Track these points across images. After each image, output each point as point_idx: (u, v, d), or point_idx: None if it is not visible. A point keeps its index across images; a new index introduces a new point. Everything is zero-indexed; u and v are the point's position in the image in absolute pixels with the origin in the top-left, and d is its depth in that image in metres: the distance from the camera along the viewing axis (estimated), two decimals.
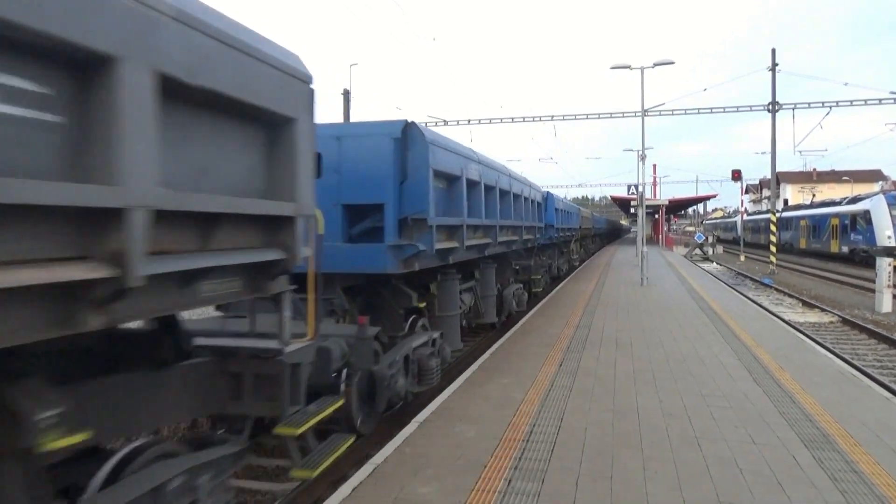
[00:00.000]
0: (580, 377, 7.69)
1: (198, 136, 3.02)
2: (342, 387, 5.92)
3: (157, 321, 3.60)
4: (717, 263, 38.02)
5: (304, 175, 3.76)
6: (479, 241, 8.95)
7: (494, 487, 4.52)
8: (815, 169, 76.99)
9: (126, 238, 2.34)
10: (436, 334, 7.76)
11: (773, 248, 31.60)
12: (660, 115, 33.90)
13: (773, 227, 32.49)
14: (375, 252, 6.32)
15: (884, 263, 16.86)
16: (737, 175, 41.19)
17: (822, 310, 17.54)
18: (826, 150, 55.82)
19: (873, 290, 18.05)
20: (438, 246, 6.97)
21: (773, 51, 30.11)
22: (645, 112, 23.96)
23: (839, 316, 16.25)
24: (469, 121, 37.85)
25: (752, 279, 27.33)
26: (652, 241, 54.35)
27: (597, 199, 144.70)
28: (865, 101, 31.11)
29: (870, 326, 14.38)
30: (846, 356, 11.18)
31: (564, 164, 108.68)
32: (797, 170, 73.31)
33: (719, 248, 52.37)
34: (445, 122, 36.58)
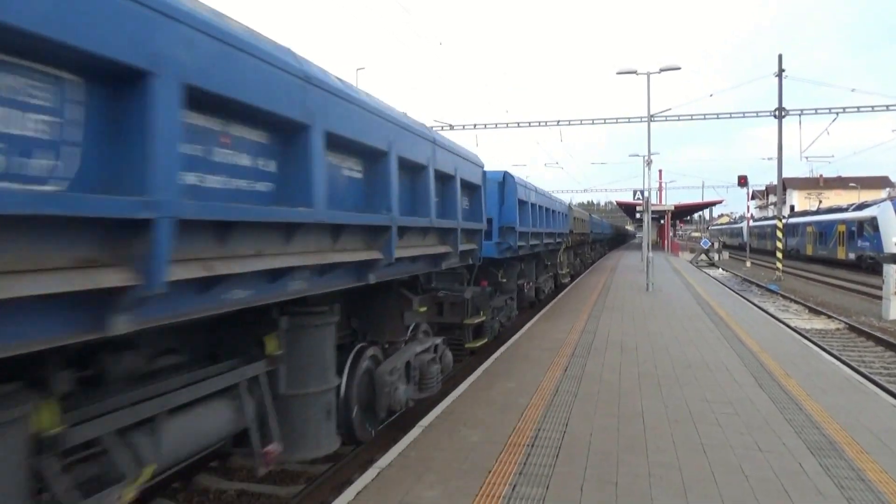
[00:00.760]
0: (585, 382, 7.67)
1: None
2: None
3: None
4: (723, 269, 37.91)
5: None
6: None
7: (499, 493, 4.51)
8: (821, 175, 76.79)
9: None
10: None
11: (779, 255, 31.47)
12: (666, 120, 33.86)
13: (779, 233, 32.37)
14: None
15: (891, 270, 16.77)
16: (743, 181, 41.06)
17: (829, 316, 17.46)
18: (833, 156, 55.44)
19: (880, 297, 17.95)
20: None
21: (780, 56, 30.06)
22: (651, 117, 23.97)
23: (846, 323, 16.17)
24: (475, 125, 37.88)
25: (758, 285, 27.23)
26: (657, 246, 54.27)
27: (602, 203, 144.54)
28: (872, 107, 31.04)
29: (877, 333, 14.30)
30: (853, 363, 11.13)
31: (570, 169, 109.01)
32: (804, 176, 73.22)
33: (725, 254, 52.22)
34: (451, 127, 36.61)
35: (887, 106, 30.66)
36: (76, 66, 2.23)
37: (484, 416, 6.33)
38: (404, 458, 5.20)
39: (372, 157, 4.84)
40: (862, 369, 10.53)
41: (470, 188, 7.83)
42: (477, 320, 9.08)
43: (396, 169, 5.02)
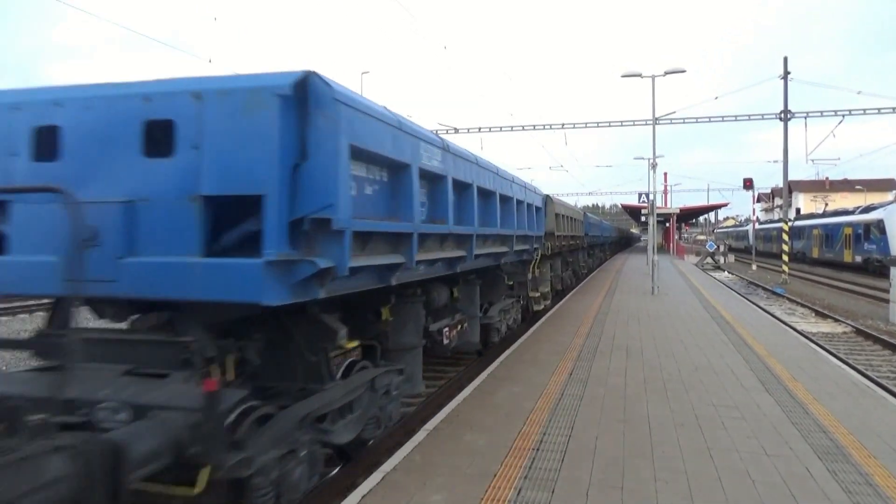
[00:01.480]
0: (591, 386, 7.65)
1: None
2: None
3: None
4: (729, 272, 37.79)
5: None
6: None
7: (504, 496, 4.50)
8: (827, 178, 76.46)
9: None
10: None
11: (785, 258, 31.36)
12: (671, 123, 33.80)
13: (785, 236, 32.25)
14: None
15: None
16: (748, 183, 41.01)
17: (836, 320, 17.38)
18: (839, 158, 55.12)
19: (887, 301, 17.86)
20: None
21: (785, 59, 30.01)
22: (656, 120, 23.92)
23: (853, 326, 16.09)
24: (480, 129, 37.90)
25: (764, 288, 27.13)
26: (663, 249, 54.14)
27: (607, 206, 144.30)
28: (879, 109, 30.90)
29: (884, 337, 14.22)
30: (860, 367, 11.06)
31: (575, 173, 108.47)
32: (809, 178, 72.88)
33: (731, 257, 52.03)
34: (456, 130, 36.67)
35: (894, 108, 30.52)
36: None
37: (489, 420, 6.32)
38: (409, 462, 5.19)
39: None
40: (869, 373, 10.46)
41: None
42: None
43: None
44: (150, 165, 4.11)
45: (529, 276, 13.08)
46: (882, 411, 6.60)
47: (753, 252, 47.64)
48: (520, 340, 10.94)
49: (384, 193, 5.14)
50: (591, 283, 23.57)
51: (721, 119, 35.36)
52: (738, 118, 35.02)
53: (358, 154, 4.47)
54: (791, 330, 12.93)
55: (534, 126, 37.19)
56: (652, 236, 23.21)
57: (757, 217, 58.61)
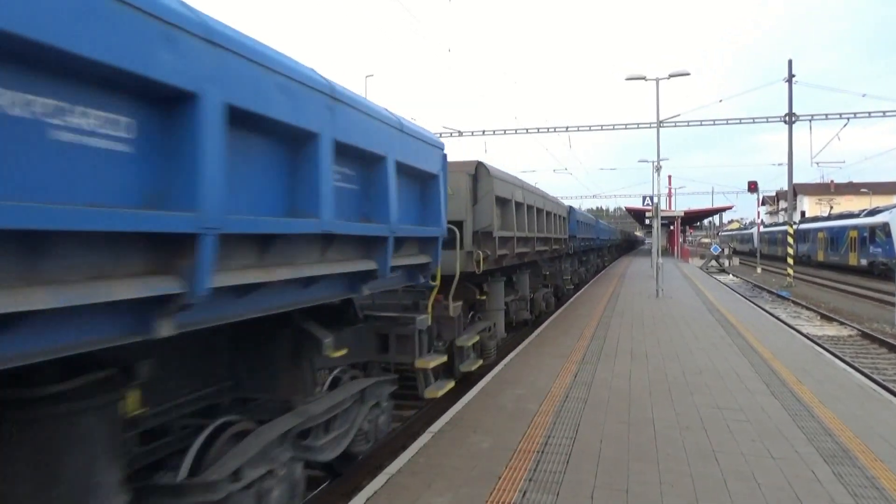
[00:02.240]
0: (595, 389, 7.64)
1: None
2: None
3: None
4: (734, 275, 37.70)
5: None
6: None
7: (509, 499, 4.50)
8: (832, 181, 76.34)
9: None
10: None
11: (790, 261, 31.27)
12: (675, 126, 33.77)
13: (790, 239, 32.15)
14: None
15: None
16: (753, 186, 40.94)
17: (841, 323, 17.33)
18: (844, 161, 54.93)
19: (893, 304, 17.79)
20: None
21: (790, 62, 29.95)
22: (660, 123, 23.92)
23: (858, 329, 16.05)
24: (483, 131, 37.94)
25: (769, 291, 27.07)
26: (667, 252, 54.05)
27: (612, 209, 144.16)
28: (884, 112, 30.80)
29: (890, 340, 14.18)
30: (866, 370, 11.03)
31: (579, 175, 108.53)
32: (814, 181, 72.74)
33: (735, 260, 51.93)
34: (460, 133, 36.68)
35: None
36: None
37: (493, 422, 6.32)
38: (414, 465, 5.19)
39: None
40: (875, 376, 10.44)
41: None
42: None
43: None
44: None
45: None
46: (888, 414, 6.57)
47: (758, 255, 47.52)
48: (524, 343, 10.94)
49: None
50: (594, 287, 23.53)
51: (725, 122, 35.35)
52: (743, 121, 35.01)
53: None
54: (796, 333, 12.89)
55: (538, 129, 37.20)
56: (656, 239, 23.19)
57: (761, 220, 58.48)
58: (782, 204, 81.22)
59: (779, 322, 14.49)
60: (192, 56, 2.49)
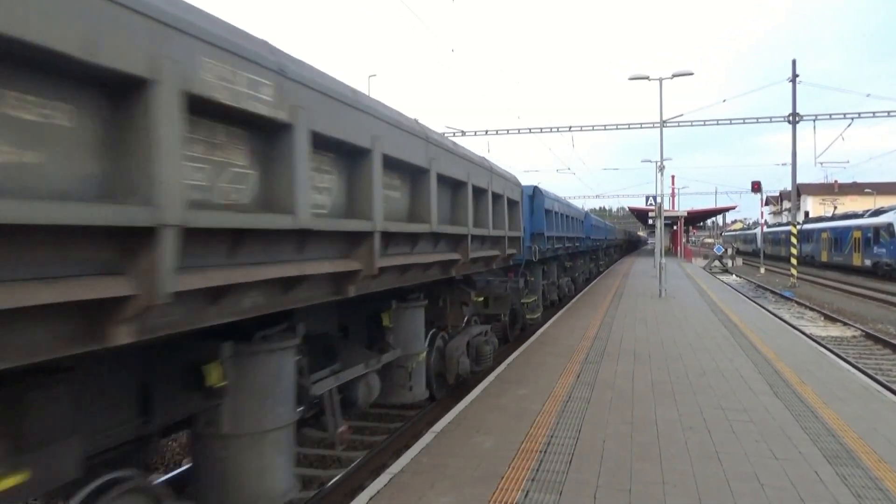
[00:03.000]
0: (598, 389, 7.64)
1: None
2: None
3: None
4: (737, 276, 37.65)
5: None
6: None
7: (512, 499, 4.50)
8: (836, 181, 76.09)
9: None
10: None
11: (793, 261, 31.21)
12: (678, 126, 33.73)
13: (793, 240, 32.09)
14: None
15: None
16: (756, 186, 40.79)
17: (845, 324, 17.29)
18: (848, 161, 54.87)
19: None
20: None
21: (794, 62, 29.88)
22: (664, 123, 23.89)
23: (862, 330, 16.00)
24: (486, 131, 37.93)
25: (772, 292, 27.02)
26: (670, 252, 53.98)
27: (614, 209, 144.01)
28: (888, 112, 30.73)
29: (894, 342, 14.13)
30: (869, 371, 11.00)
31: (582, 175, 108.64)
32: (818, 182, 72.51)
33: (739, 261, 51.86)
34: (463, 133, 36.66)
35: None
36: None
37: (496, 422, 6.32)
38: (417, 464, 5.20)
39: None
40: (879, 377, 10.41)
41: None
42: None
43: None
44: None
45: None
46: (892, 415, 6.55)
47: (762, 255, 47.46)
48: (526, 343, 10.94)
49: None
50: (597, 287, 23.52)
51: (729, 122, 35.30)
52: (747, 121, 34.95)
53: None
54: (800, 333, 12.86)
55: (541, 129, 37.18)
56: (659, 239, 23.17)
57: (765, 220, 58.34)
58: (786, 204, 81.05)
59: (782, 322, 14.46)
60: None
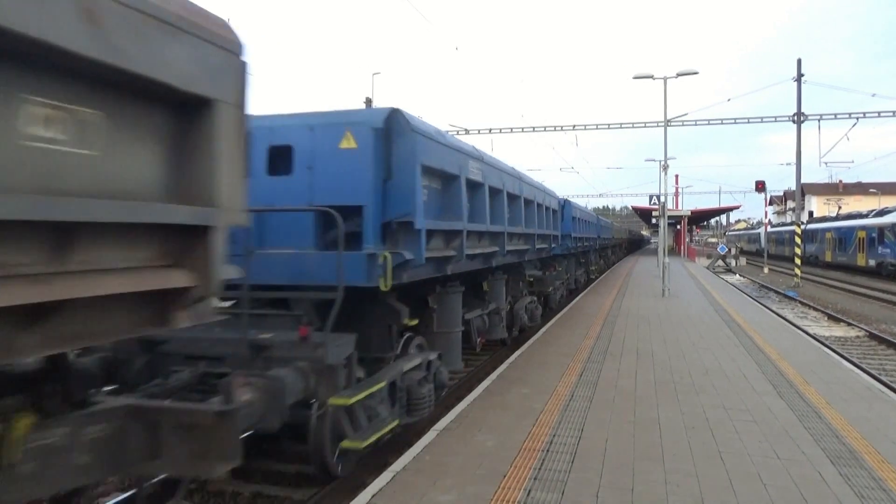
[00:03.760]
0: (601, 388, 7.63)
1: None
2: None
3: None
4: (741, 275, 37.56)
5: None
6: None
7: (514, 497, 4.50)
8: (841, 181, 75.88)
9: None
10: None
11: (797, 261, 31.14)
12: (683, 125, 33.67)
13: (797, 239, 32.01)
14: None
15: None
16: (761, 186, 40.68)
17: (849, 324, 17.24)
18: (853, 161, 54.55)
19: None
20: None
21: (799, 61, 29.79)
22: (668, 122, 23.84)
23: (866, 330, 15.96)
24: (490, 130, 37.92)
25: (776, 292, 26.95)
26: (674, 252, 53.90)
27: (618, 209, 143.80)
28: (894, 112, 30.62)
29: None
30: (873, 371, 10.97)
31: (586, 174, 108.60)
32: (823, 181, 72.32)
33: (742, 260, 51.75)
34: (467, 131, 36.67)
35: None
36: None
37: (499, 420, 6.32)
38: (419, 462, 5.20)
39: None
40: (883, 377, 10.38)
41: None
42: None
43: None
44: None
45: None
46: None
47: (765, 255, 47.37)
48: (529, 342, 10.93)
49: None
50: (601, 286, 23.50)
51: (733, 121, 35.21)
52: (751, 120, 34.86)
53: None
54: (803, 333, 12.84)
55: (544, 127, 37.15)
56: (663, 239, 23.13)
57: (769, 220, 58.21)
58: (790, 204, 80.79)
59: (786, 322, 14.43)
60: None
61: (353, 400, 5.04)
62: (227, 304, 5.34)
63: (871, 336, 15.36)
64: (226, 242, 2.79)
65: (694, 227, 71.58)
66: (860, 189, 75.92)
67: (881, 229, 33.94)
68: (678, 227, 52.42)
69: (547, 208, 12.88)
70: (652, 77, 24.14)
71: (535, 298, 13.38)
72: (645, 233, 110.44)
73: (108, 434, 3.17)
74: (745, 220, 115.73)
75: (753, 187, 41.48)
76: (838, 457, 5.30)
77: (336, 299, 4.84)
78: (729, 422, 6.29)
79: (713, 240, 73.58)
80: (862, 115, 30.82)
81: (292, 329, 4.99)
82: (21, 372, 3.08)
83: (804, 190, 52.98)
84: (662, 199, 24.20)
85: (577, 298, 18.68)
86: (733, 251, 51.19)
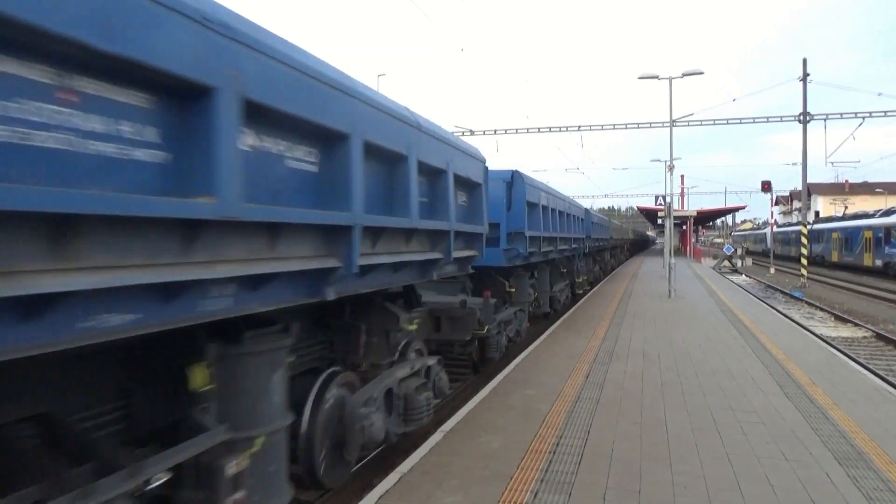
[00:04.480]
0: (607, 389, 7.62)
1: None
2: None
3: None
4: (747, 276, 37.45)
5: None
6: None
7: (521, 499, 4.50)
8: (847, 180, 75.60)
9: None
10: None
11: (803, 261, 31.01)
12: (688, 125, 33.61)
13: (803, 240, 31.88)
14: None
15: None
16: (766, 186, 40.57)
17: (856, 324, 17.17)
18: (859, 161, 54.27)
19: None
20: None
21: (805, 61, 29.67)
22: (673, 122, 23.81)
23: (873, 331, 15.89)
24: (495, 130, 37.93)
25: (782, 292, 26.86)
26: (680, 252, 53.77)
27: (623, 209, 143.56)
28: None
29: None
30: (881, 372, 10.92)
31: (591, 175, 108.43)
32: (829, 181, 72.08)
33: (748, 261, 51.57)
34: (472, 132, 36.66)
35: None
36: None
37: (505, 422, 6.32)
38: (425, 463, 5.21)
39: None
40: (890, 378, 10.33)
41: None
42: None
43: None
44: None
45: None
46: None
47: (771, 255, 47.15)
48: (535, 343, 10.93)
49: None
50: (607, 287, 23.46)
51: (739, 121, 35.14)
52: (757, 120, 34.78)
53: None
54: (810, 334, 12.79)
55: (549, 128, 37.15)
56: (668, 239, 23.07)
57: (775, 220, 58.02)
58: (796, 204, 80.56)
59: (792, 323, 14.38)
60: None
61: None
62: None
63: (879, 336, 15.29)
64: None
65: (700, 227, 71.42)
66: (866, 189, 75.62)
67: (888, 229, 33.78)
68: (684, 227, 52.31)
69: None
70: (657, 77, 24.13)
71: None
72: (650, 233, 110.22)
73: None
74: (750, 221, 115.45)
75: (759, 187, 41.38)
76: (846, 458, 5.28)
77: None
78: (736, 423, 6.28)
79: (719, 240, 73.45)
80: (868, 115, 30.73)
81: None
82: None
83: (810, 190, 52.79)
84: (668, 199, 24.15)
85: (584, 298, 18.64)
86: (739, 251, 51.03)
